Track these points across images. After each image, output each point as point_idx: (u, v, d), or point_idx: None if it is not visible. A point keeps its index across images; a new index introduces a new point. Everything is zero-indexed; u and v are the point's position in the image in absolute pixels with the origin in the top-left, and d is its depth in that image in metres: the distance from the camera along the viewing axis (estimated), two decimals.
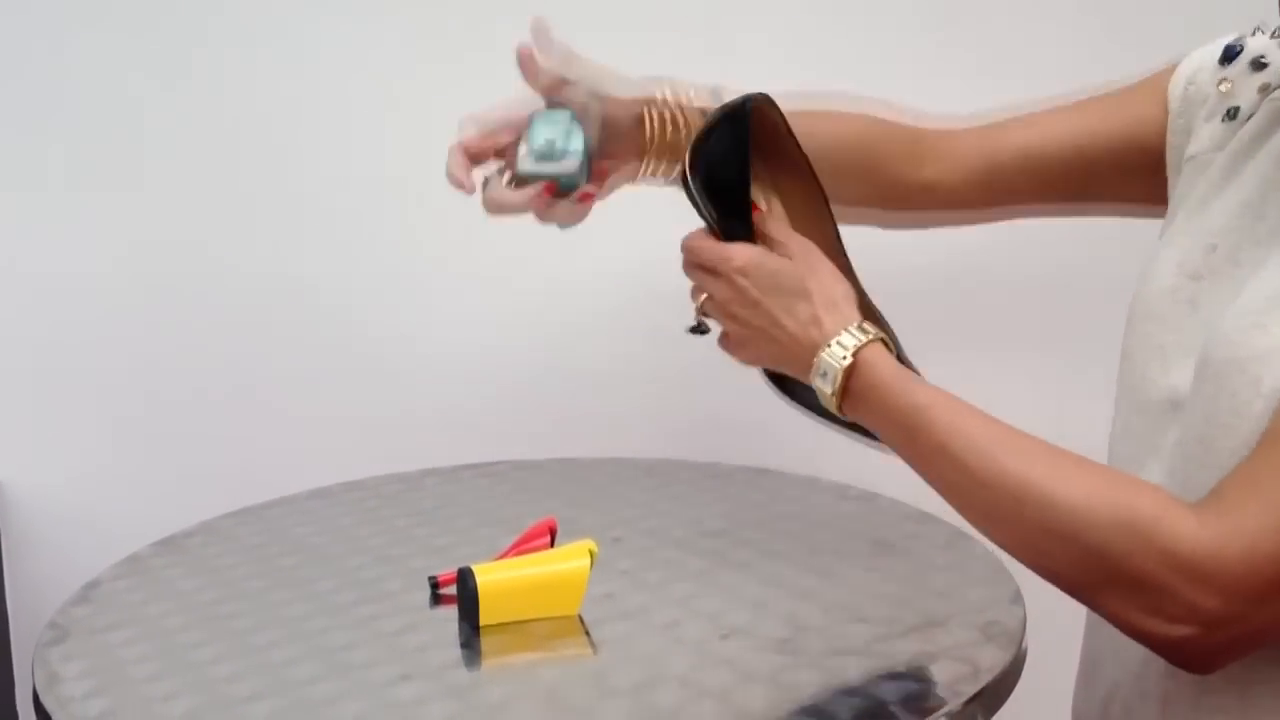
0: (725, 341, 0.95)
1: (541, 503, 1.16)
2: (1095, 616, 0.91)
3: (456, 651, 0.89)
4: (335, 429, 1.40)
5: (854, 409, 0.86)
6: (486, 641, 0.90)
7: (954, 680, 0.82)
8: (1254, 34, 0.90)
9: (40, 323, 1.35)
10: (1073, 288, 1.42)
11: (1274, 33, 0.89)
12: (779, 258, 0.90)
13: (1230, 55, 0.91)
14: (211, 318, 1.37)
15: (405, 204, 1.39)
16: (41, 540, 1.38)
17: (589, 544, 0.94)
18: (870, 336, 0.86)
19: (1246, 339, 0.76)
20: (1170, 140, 0.93)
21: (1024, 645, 0.87)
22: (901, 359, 0.90)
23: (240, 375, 1.39)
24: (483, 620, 0.90)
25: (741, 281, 0.90)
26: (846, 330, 0.86)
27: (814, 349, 0.86)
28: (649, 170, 1.04)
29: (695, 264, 0.93)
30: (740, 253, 0.90)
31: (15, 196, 1.33)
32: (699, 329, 0.95)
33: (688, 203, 0.95)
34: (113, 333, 1.36)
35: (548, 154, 0.96)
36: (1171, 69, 0.94)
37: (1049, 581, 0.80)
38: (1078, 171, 0.98)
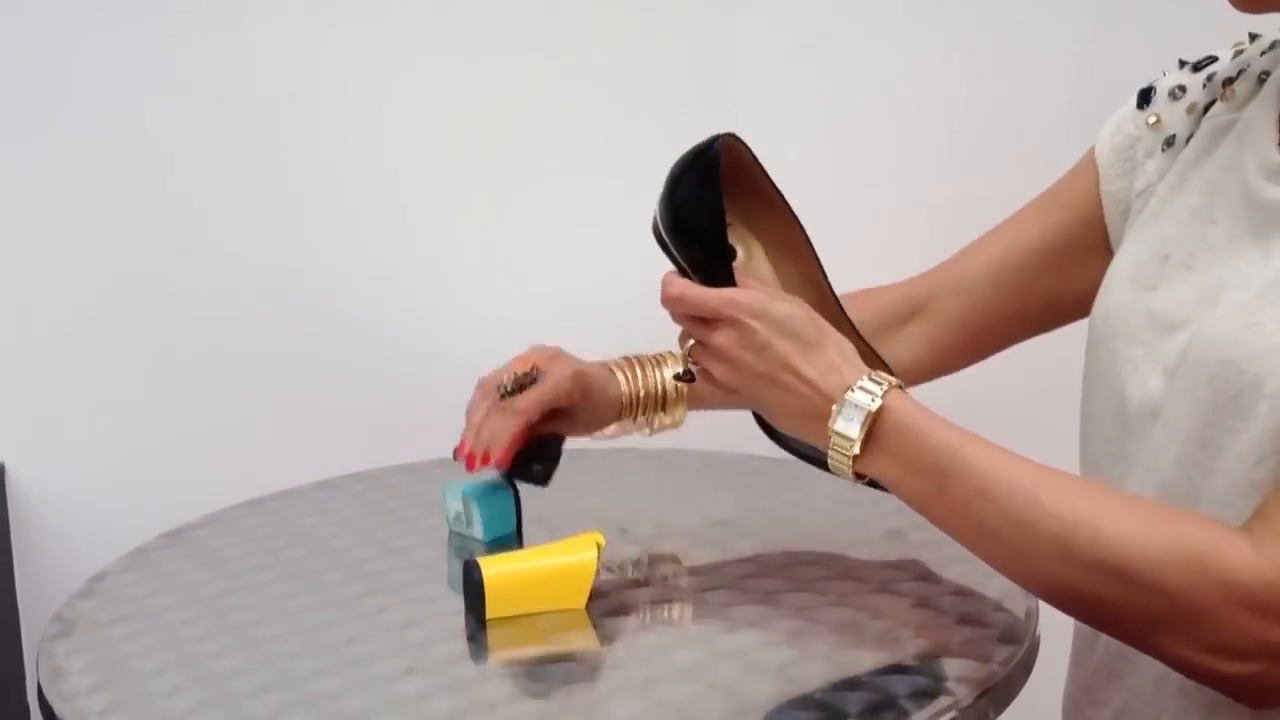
0: (710, 382, 0.89)
1: (547, 494, 1.15)
2: (1086, 634, 0.90)
3: (463, 645, 0.89)
4: (342, 420, 1.40)
5: (875, 457, 0.80)
6: (493, 635, 0.89)
7: (964, 675, 0.81)
8: (1163, 75, 0.92)
9: (50, 314, 1.35)
10: None
11: (1181, 65, 0.92)
12: (786, 301, 0.84)
13: (1146, 98, 0.92)
14: (220, 310, 1.38)
15: (414, 199, 1.39)
16: (50, 531, 1.38)
17: (596, 536, 0.93)
18: (893, 382, 0.81)
19: (1238, 339, 0.75)
20: (1105, 189, 0.93)
21: (1035, 640, 0.86)
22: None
23: (248, 367, 1.39)
24: (489, 613, 0.90)
25: (752, 324, 0.83)
26: (868, 377, 0.81)
27: (833, 395, 0.80)
28: (636, 417, 1.06)
29: (692, 311, 0.86)
30: (746, 295, 0.84)
31: (26, 190, 1.33)
32: (690, 376, 0.90)
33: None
34: (122, 325, 1.36)
35: (457, 522, 1.08)
36: (1092, 148, 0.96)
37: (1098, 627, 0.77)
38: (1035, 270, 0.98)
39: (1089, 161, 0.95)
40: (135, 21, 1.31)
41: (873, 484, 0.84)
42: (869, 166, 1.46)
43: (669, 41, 1.38)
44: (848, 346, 0.84)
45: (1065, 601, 0.76)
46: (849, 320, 0.91)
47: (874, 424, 0.79)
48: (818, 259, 0.91)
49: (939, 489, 0.78)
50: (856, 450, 0.79)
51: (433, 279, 1.41)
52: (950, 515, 0.78)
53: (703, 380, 0.88)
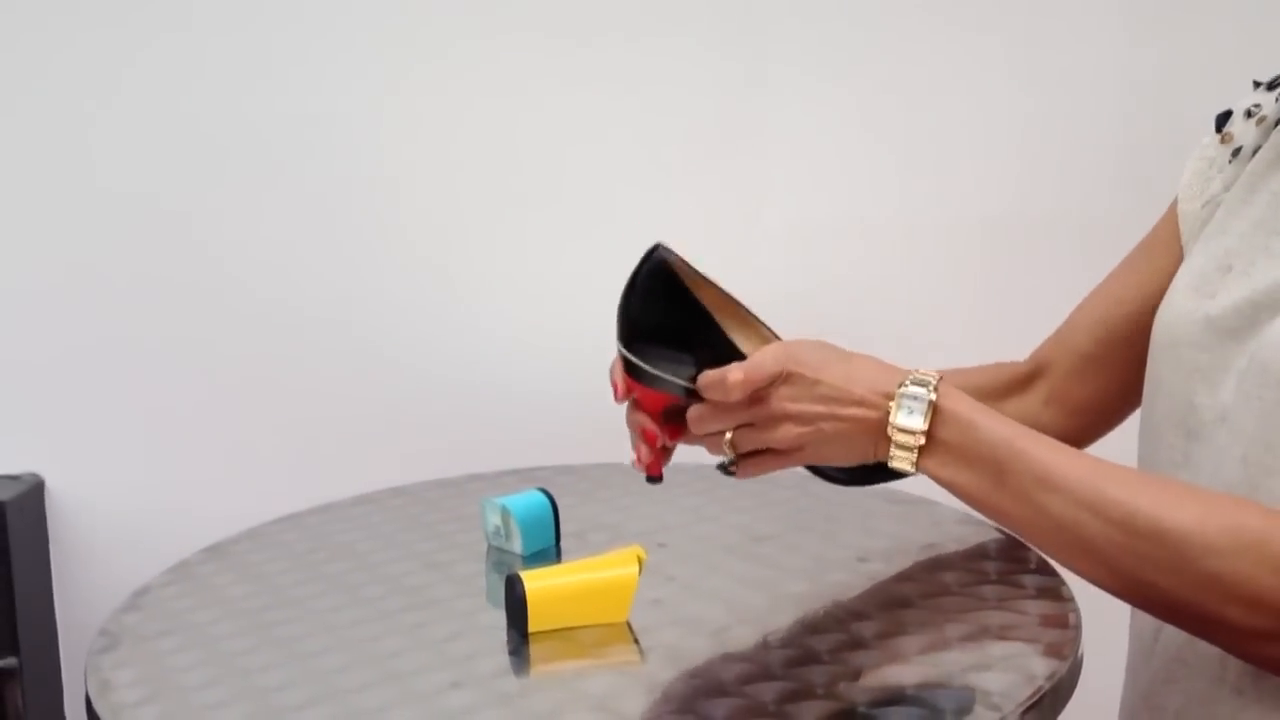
0: (769, 459, 0.90)
1: (586, 508, 1.16)
2: (1144, 640, 0.90)
3: (505, 659, 0.89)
4: (379, 435, 1.40)
5: (935, 450, 0.82)
6: (535, 649, 0.89)
7: (1008, 689, 0.81)
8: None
9: (90, 330, 1.36)
10: None
11: (1256, 86, 0.93)
12: (798, 340, 0.87)
13: (1224, 119, 0.93)
14: (259, 326, 1.38)
15: (449, 219, 1.39)
16: (88, 546, 1.39)
17: (637, 550, 0.93)
18: (938, 375, 0.83)
19: None
20: (1181, 209, 0.94)
21: (1080, 655, 0.86)
22: None
23: (286, 384, 1.39)
24: (531, 627, 0.90)
25: (798, 370, 0.85)
26: (916, 372, 0.83)
27: (887, 399, 0.83)
28: None
29: (756, 384, 0.86)
30: (764, 353, 0.86)
31: (68, 203, 1.34)
32: (733, 466, 0.92)
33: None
34: (161, 340, 1.37)
35: (496, 536, 1.08)
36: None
37: (1157, 614, 0.77)
38: (1138, 318, 0.97)
39: (1174, 200, 0.96)
40: (141, 25, 1.32)
41: (891, 476, 0.87)
42: (903, 178, 1.46)
43: (693, 47, 1.38)
44: (871, 357, 0.86)
45: (1126, 589, 0.77)
46: None
47: (933, 416, 0.81)
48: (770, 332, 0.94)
49: (999, 480, 0.79)
50: (921, 441, 0.81)
51: (475, 295, 1.41)
52: (1012, 505, 0.79)
53: (750, 470, 0.90)
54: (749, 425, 0.88)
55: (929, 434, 0.81)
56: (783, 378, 0.85)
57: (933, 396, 0.81)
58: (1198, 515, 0.73)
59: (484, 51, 1.37)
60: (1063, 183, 1.44)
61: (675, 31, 1.38)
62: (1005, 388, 1.05)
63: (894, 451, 0.83)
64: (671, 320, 0.91)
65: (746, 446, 0.89)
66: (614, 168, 1.41)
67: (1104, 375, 1.01)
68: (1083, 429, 1.03)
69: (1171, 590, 0.74)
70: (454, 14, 1.36)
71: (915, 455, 0.82)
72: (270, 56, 1.35)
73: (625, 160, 1.40)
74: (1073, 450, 0.79)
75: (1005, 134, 1.43)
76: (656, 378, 0.92)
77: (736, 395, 0.86)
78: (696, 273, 0.93)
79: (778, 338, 0.93)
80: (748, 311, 0.94)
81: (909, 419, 0.82)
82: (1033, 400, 1.05)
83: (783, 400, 0.86)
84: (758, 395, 0.86)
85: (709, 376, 0.88)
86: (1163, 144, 1.35)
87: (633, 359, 0.92)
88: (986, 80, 1.42)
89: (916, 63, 1.41)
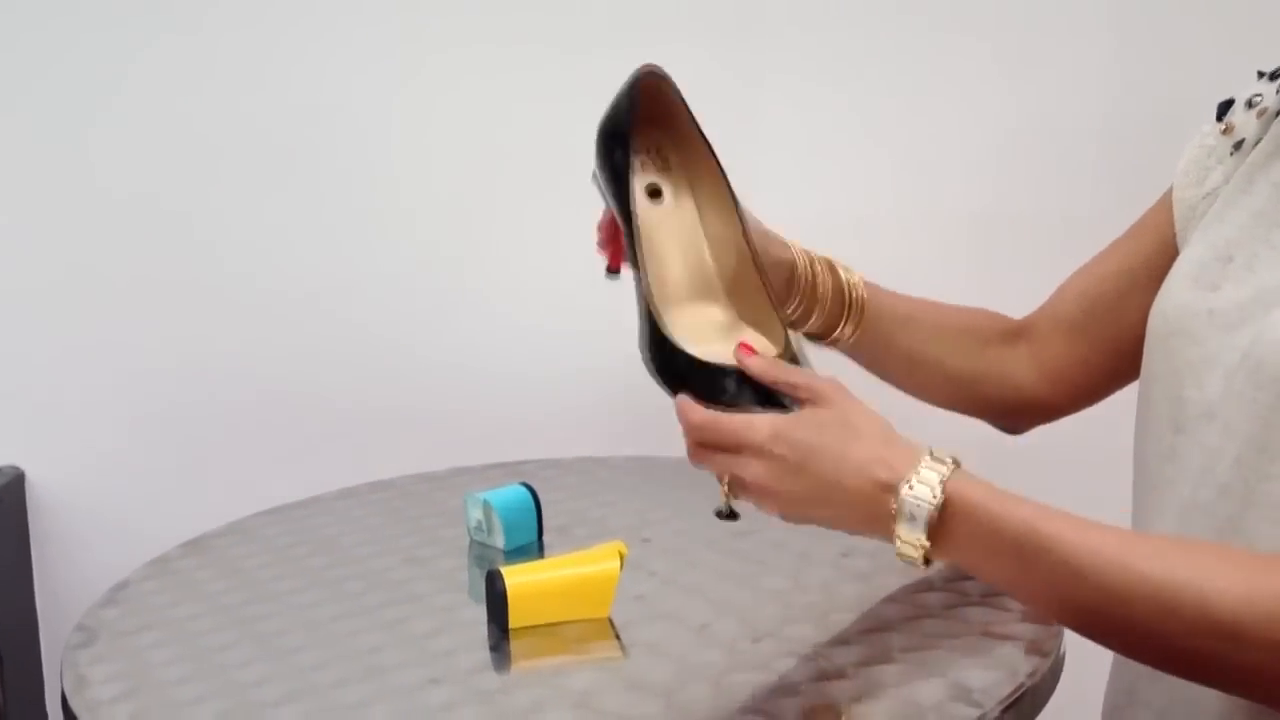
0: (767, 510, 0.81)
1: (569, 503, 1.16)
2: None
3: (486, 655, 0.88)
4: (362, 429, 1.40)
5: (947, 549, 0.74)
6: (516, 645, 0.89)
7: (990, 686, 0.80)
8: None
9: (70, 322, 1.35)
10: None
11: (1259, 76, 0.91)
12: (809, 409, 0.78)
13: (1225, 108, 0.92)
14: (240, 318, 1.38)
15: (431, 204, 1.39)
16: (69, 538, 1.38)
17: (619, 545, 0.93)
18: (950, 462, 0.75)
19: None
20: (1176, 196, 0.93)
21: (1061, 652, 0.86)
22: (797, 359, 0.82)
23: (267, 376, 1.39)
24: (512, 623, 0.89)
25: (778, 450, 0.76)
26: (922, 462, 0.74)
27: (887, 494, 0.74)
28: (806, 318, 0.99)
29: (710, 444, 0.79)
30: (764, 421, 0.77)
31: (46, 196, 1.33)
32: (730, 514, 0.82)
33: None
34: (141, 333, 1.36)
35: (478, 531, 1.08)
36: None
37: (1211, 686, 0.74)
38: (1118, 296, 0.98)
39: (1169, 188, 0.96)
40: (142, 27, 1.31)
41: None
42: (896, 177, 1.45)
43: (692, 48, 1.38)
44: (882, 426, 0.78)
45: (1173, 665, 0.73)
46: (771, 292, 0.87)
47: (940, 518, 0.73)
48: (743, 221, 0.89)
49: (1022, 571, 0.73)
50: (925, 549, 0.74)
51: (459, 289, 1.41)
52: (1039, 595, 0.74)
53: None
54: (737, 479, 0.80)
55: (938, 533, 0.74)
56: (753, 451, 0.78)
57: (935, 502, 0.73)
58: (1245, 587, 0.68)
59: (484, 53, 1.37)
60: (1048, 181, 1.44)
61: (670, 33, 1.37)
62: (990, 335, 1.05)
63: (900, 549, 0.75)
64: (612, 117, 0.89)
65: (740, 497, 0.81)
66: None
67: (1084, 344, 1.01)
68: (1063, 396, 1.03)
69: (1226, 662, 0.70)
70: (451, 14, 1.36)
71: (921, 557, 0.75)
72: (270, 57, 1.34)
73: None
74: (1096, 527, 0.72)
75: (993, 133, 1.44)
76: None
77: (684, 430, 0.80)
78: (689, 120, 0.89)
79: (752, 248, 0.87)
80: (736, 209, 0.89)
81: (910, 530, 0.74)
82: (1016, 356, 1.04)
83: (754, 476, 0.78)
84: (733, 452, 0.79)
85: (685, 402, 0.81)
86: (1146, 142, 1.36)
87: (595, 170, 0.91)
88: (975, 80, 1.42)
89: (907, 64, 1.41)
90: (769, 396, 0.80)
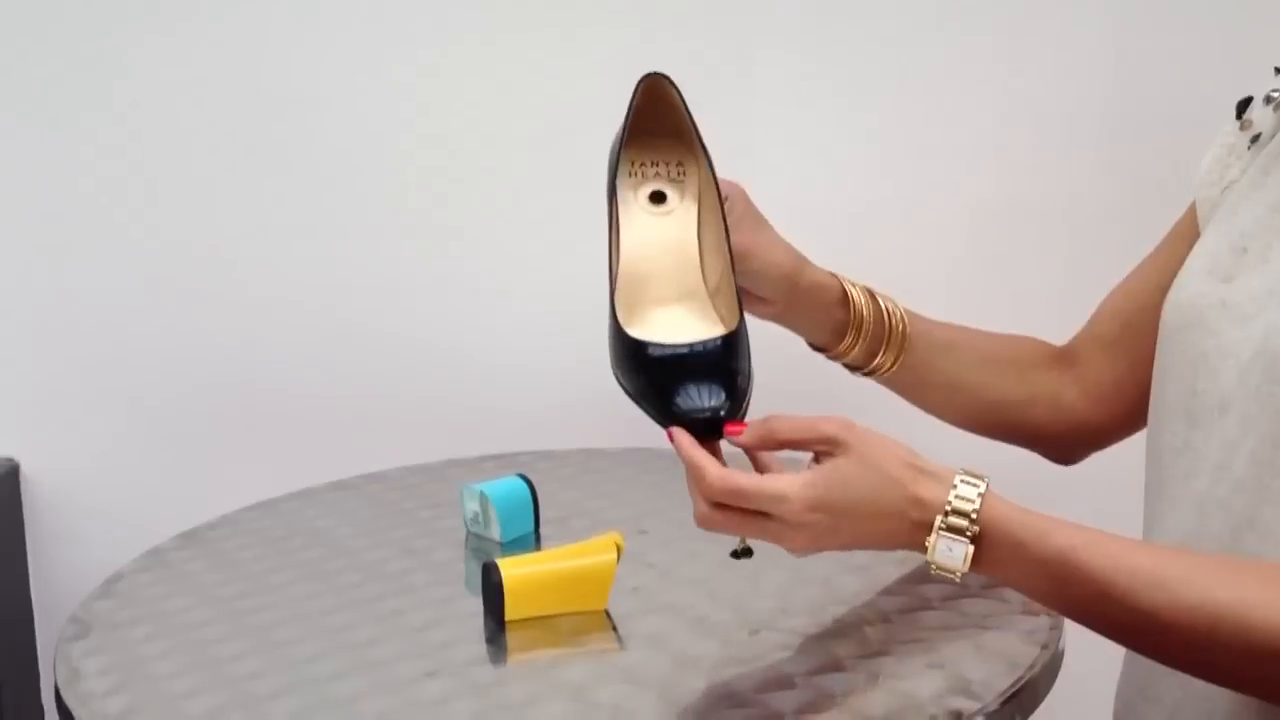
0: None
1: (566, 494, 1.15)
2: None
3: (482, 647, 0.88)
4: (357, 421, 1.39)
5: (981, 570, 0.75)
6: (512, 637, 0.88)
7: (989, 678, 0.80)
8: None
9: (65, 314, 1.35)
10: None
11: (1277, 72, 0.91)
12: (832, 462, 0.76)
13: (1245, 105, 0.91)
14: (233, 311, 1.37)
15: (425, 199, 1.38)
16: (64, 530, 1.38)
17: (615, 537, 0.92)
18: (980, 486, 0.74)
19: None
20: (1199, 195, 0.92)
21: (1061, 645, 0.85)
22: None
23: (261, 368, 1.38)
24: (508, 615, 0.89)
25: (812, 519, 0.75)
26: (954, 493, 0.74)
27: (921, 532, 0.74)
28: (850, 348, 0.99)
29: (738, 504, 0.76)
30: (794, 490, 0.75)
31: (44, 187, 1.32)
32: (746, 552, 0.81)
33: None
34: (137, 325, 1.35)
35: (475, 523, 1.07)
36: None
37: (1258, 698, 0.74)
38: (1156, 310, 0.93)
39: (1192, 208, 0.95)
40: (144, 27, 1.31)
41: None
42: (893, 169, 1.45)
43: (686, 41, 1.37)
44: (904, 457, 0.76)
45: (1215, 680, 0.73)
46: (741, 294, 0.86)
47: (975, 552, 0.74)
48: (728, 228, 0.88)
49: (1058, 592, 0.74)
50: (964, 572, 0.74)
51: (453, 281, 1.40)
52: (1076, 614, 0.74)
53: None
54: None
55: (973, 560, 0.74)
56: (789, 522, 0.75)
57: (971, 533, 0.73)
58: None
59: (476, 42, 1.36)
60: (1048, 171, 1.43)
61: (662, 20, 1.36)
62: (1033, 361, 1.04)
63: (934, 571, 0.75)
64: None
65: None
66: (600, 157, 1.40)
67: (1124, 361, 0.99)
68: (1110, 417, 1.01)
69: (1273, 682, 0.70)
70: (446, 8, 1.35)
71: (956, 578, 0.75)
72: (265, 51, 1.33)
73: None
74: (1130, 548, 0.72)
75: (991, 122, 1.43)
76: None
77: (705, 495, 0.78)
78: (689, 125, 0.89)
79: (728, 241, 0.86)
80: (720, 209, 0.89)
81: (948, 558, 0.74)
82: (1061, 381, 1.03)
83: (779, 537, 0.77)
84: (766, 516, 0.76)
85: (709, 467, 0.78)
86: (1146, 133, 1.35)
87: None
88: (973, 69, 1.41)
89: (903, 52, 1.41)
90: (733, 376, 0.81)
